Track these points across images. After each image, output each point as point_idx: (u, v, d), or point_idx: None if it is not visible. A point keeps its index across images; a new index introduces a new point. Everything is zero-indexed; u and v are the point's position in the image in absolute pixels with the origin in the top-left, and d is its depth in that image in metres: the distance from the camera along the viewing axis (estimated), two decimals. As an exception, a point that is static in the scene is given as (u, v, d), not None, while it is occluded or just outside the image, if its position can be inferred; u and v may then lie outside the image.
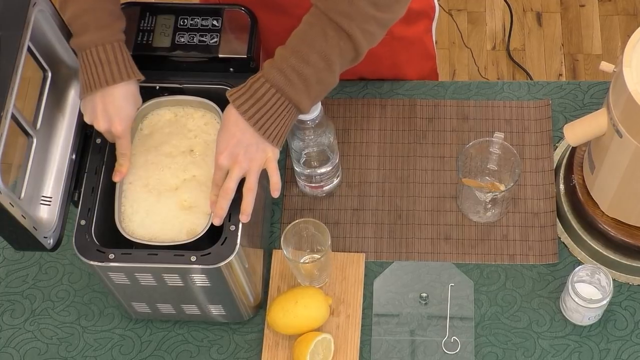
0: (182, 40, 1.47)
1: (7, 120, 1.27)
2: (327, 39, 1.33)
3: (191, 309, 1.52)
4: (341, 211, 1.67)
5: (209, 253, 1.37)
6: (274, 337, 1.56)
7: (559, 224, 1.64)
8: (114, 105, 1.39)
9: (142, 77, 1.42)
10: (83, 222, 1.40)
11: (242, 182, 1.38)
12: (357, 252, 1.63)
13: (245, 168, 1.37)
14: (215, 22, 1.49)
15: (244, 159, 1.36)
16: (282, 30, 1.40)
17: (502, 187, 1.60)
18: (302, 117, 1.46)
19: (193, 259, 1.37)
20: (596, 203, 1.56)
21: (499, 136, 1.55)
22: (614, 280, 1.57)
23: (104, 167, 1.44)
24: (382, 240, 1.64)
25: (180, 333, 1.58)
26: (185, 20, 1.49)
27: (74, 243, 1.39)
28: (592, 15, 2.93)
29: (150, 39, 1.48)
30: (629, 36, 1.47)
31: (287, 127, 1.37)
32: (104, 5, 1.39)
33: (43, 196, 1.42)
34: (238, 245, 1.38)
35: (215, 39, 1.47)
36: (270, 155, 1.38)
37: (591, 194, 1.57)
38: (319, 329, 1.54)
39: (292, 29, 1.36)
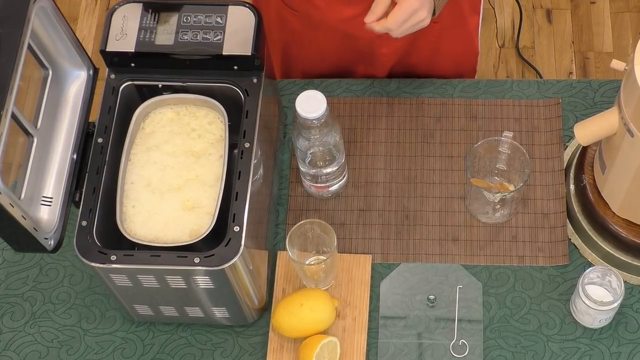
0: (186, 37, 1.46)
1: (7, 120, 1.27)
2: None
3: (194, 312, 1.51)
4: (347, 212, 1.65)
5: (213, 254, 1.36)
6: (279, 340, 1.54)
7: (569, 225, 1.62)
8: None
9: None
10: (84, 223, 1.39)
11: None
12: (364, 253, 1.61)
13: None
14: (219, 19, 1.47)
15: None
16: None
17: (511, 188, 1.58)
18: (307, 115, 1.45)
19: (196, 260, 1.36)
20: (607, 204, 1.55)
21: (508, 135, 1.54)
22: (625, 282, 1.56)
23: (105, 167, 1.42)
24: (389, 241, 1.62)
25: (183, 336, 1.57)
26: (189, 18, 1.47)
27: (75, 244, 1.38)
28: (602, 12, 2.91)
29: (153, 37, 1.46)
30: (640, 33, 1.45)
31: None
32: None
33: (43, 196, 1.41)
34: (242, 247, 1.36)
35: (219, 37, 1.46)
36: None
37: (602, 194, 1.56)
38: (324, 332, 1.53)
39: None
